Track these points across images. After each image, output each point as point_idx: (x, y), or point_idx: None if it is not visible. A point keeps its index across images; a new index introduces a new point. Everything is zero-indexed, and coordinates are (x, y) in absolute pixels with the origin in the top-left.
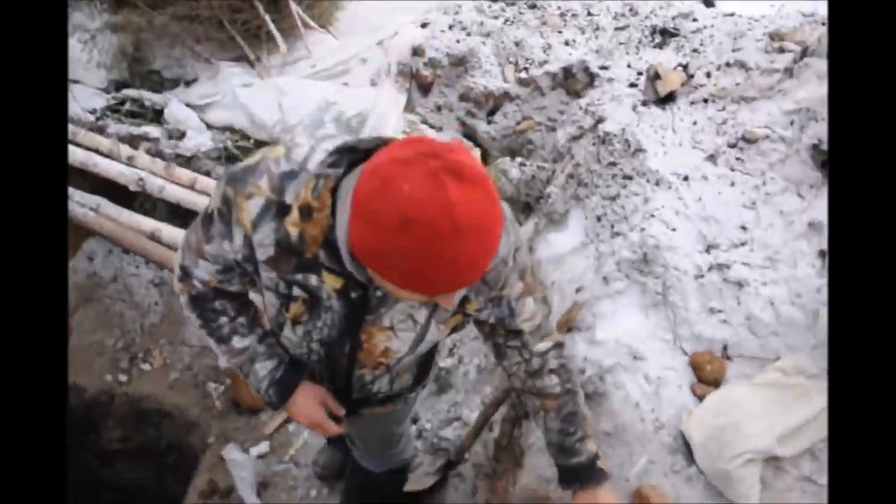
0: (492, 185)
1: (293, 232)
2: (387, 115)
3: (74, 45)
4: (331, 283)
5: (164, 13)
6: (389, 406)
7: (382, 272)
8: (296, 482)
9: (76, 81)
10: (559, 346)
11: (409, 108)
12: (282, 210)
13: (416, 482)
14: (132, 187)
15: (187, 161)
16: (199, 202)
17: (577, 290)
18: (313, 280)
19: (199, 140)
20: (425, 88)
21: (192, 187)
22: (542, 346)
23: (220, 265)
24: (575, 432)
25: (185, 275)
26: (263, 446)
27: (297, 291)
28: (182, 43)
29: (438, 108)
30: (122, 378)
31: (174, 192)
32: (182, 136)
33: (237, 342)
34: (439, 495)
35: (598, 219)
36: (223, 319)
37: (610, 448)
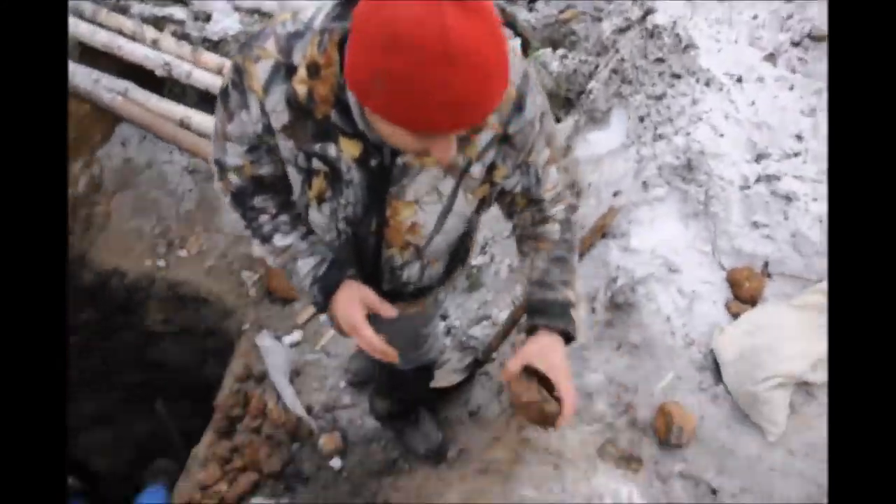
0: (498, 22)
1: (301, 90)
2: None
3: None
4: (349, 150)
5: None
6: (420, 303)
7: (371, 103)
8: (326, 371)
9: None
10: (571, 207)
11: None
12: (290, 72)
13: (443, 378)
14: (158, 72)
15: (214, 45)
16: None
17: (615, 195)
18: (332, 150)
19: (225, 23)
20: None
21: (220, 73)
22: (556, 209)
23: (245, 144)
24: (560, 274)
25: (221, 169)
26: (296, 335)
27: (316, 164)
28: None
29: None
30: (161, 263)
31: (202, 78)
32: (208, 18)
33: (279, 240)
34: (465, 392)
35: (641, 119)
36: (264, 217)
37: (637, 361)
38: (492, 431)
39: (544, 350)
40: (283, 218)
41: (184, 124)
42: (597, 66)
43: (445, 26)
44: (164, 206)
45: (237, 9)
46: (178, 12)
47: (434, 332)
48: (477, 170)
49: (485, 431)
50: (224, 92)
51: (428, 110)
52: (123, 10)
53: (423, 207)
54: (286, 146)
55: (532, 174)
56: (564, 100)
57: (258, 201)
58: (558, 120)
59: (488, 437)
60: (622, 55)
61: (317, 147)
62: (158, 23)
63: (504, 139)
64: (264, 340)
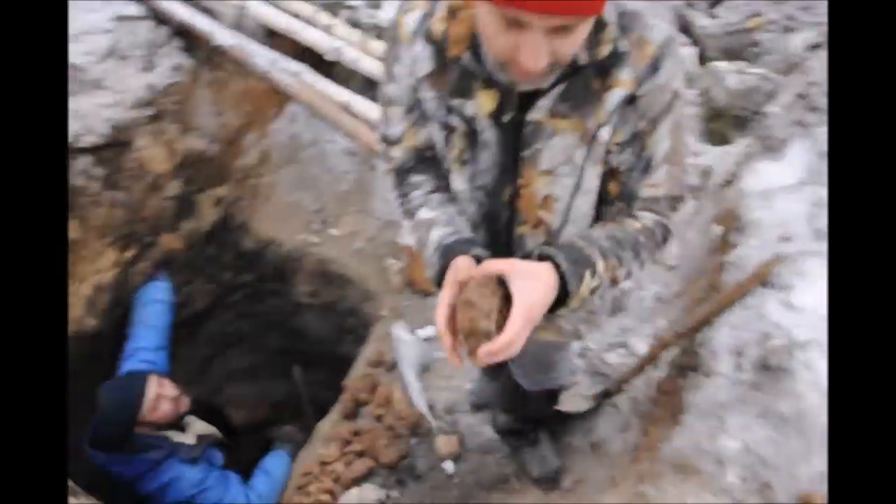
0: None
1: (438, 29)
2: None
3: None
4: (485, 104)
5: None
6: (553, 327)
7: None
8: (455, 371)
9: None
10: (664, 227)
11: None
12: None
13: (570, 402)
14: (329, 57)
15: (382, 31)
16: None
17: (782, 239)
18: (469, 108)
19: (394, 10)
20: None
21: None
22: (646, 216)
23: (403, 104)
24: (606, 243)
25: (387, 144)
26: (430, 330)
27: (455, 121)
28: None
29: None
30: (314, 239)
31: (368, 66)
32: (378, 5)
33: (424, 213)
34: (589, 421)
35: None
36: (417, 193)
37: (782, 435)
38: (611, 469)
39: (529, 276)
40: (436, 196)
41: (347, 108)
42: (780, 87)
43: None
44: (322, 183)
45: None
46: None
47: (565, 358)
48: (605, 133)
49: (604, 468)
50: (386, 52)
51: None
52: None
53: (557, 180)
54: (429, 98)
55: (643, 158)
56: (737, 119)
57: (416, 179)
58: (726, 141)
59: (606, 475)
60: (812, 77)
61: (456, 102)
62: (333, 7)
63: (631, 100)
64: (399, 331)
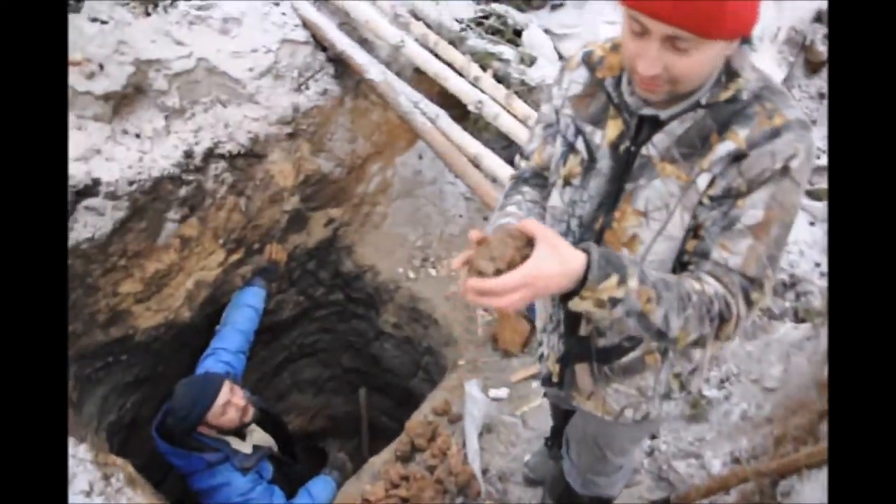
0: None
1: (598, 55)
2: None
3: None
4: (611, 131)
5: None
6: (599, 401)
7: None
8: (517, 439)
9: None
10: (726, 302)
11: (786, 86)
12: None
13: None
14: (471, 107)
15: (529, 90)
16: (525, 138)
17: None
18: (597, 137)
19: (546, 70)
20: (814, 68)
21: (524, 122)
22: (711, 282)
23: (545, 122)
24: (652, 278)
25: (521, 157)
26: (502, 392)
27: (579, 144)
28: None
29: (820, 97)
30: (411, 275)
31: (506, 123)
32: (532, 62)
33: (509, 208)
34: None
35: None
36: (517, 197)
37: None
38: None
39: (556, 250)
40: (530, 205)
41: (475, 161)
42: None
43: None
44: (433, 222)
45: (562, 58)
46: (507, 52)
47: (626, 468)
48: (703, 181)
49: None
50: (555, 77)
51: None
52: (461, 41)
53: (647, 223)
54: (566, 115)
55: (728, 217)
56: None
57: (524, 188)
58: None
59: None
60: None
61: (588, 129)
62: (485, 58)
63: (739, 157)
64: (472, 388)
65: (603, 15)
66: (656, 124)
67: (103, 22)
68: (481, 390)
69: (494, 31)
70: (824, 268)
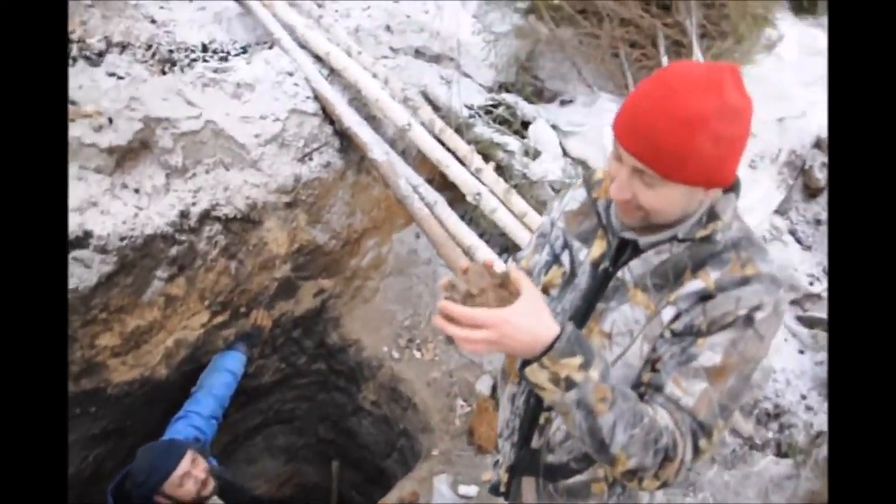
0: (747, 127)
1: (598, 175)
2: (751, 209)
3: (477, 43)
4: (594, 250)
5: (567, 28)
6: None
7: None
8: None
9: (467, 76)
10: (672, 438)
11: (782, 208)
12: None
13: None
14: (469, 198)
15: (530, 184)
16: (522, 236)
17: None
18: (582, 255)
19: (549, 166)
20: (812, 193)
21: (521, 219)
22: (665, 414)
23: (540, 231)
24: (613, 388)
25: (514, 259)
26: (472, 489)
27: (564, 258)
28: (572, 61)
29: (817, 223)
30: (395, 354)
31: (503, 218)
32: (536, 156)
33: None
34: None
35: None
36: None
37: None
38: None
39: (533, 308)
40: None
41: (468, 252)
42: None
43: (693, 78)
44: (423, 302)
45: (566, 154)
46: (512, 143)
47: None
48: (667, 314)
49: None
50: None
51: (637, 112)
52: (468, 127)
53: (612, 346)
54: (559, 227)
55: (685, 354)
56: None
57: None
58: None
59: None
60: None
61: (576, 244)
62: (490, 147)
63: (706, 297)
64: (440, 482)
65: (610, 116)
66: (636, 250)
67: (120, 77)
68: (450, 486)
69: (502, 121)
70: (811, 401)
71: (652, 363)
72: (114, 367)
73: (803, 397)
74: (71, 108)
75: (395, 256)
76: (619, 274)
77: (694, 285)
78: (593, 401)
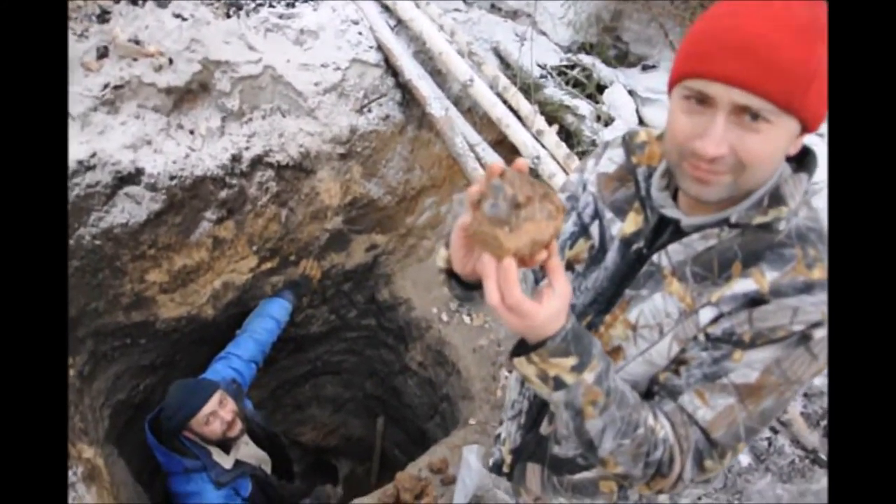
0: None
1: (641, 137)
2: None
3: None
4: (629, 224)
5: None
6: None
7: (672, 72)
8: None
9: (543, 33)
10: (670, 453)
11: None
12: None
13: None
14: (528, 161)
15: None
16: None
17: None
18: (615, 228)
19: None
20: None
21: None
22: (668, 427)
23: (569, 191)
24: (615, 385)
25: None
26: None
27: (594, 229)
28: (659, 23)
29: None
30: (444, 317)
31: (561, 183)
32: (609, 122)
33: None
34: None
35: None
36: None
37: None
38: None
39: (552, 301)
40: None
41: None
42: None
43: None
44: None
45: (642, 122)
46: (583, 107)
47: None
48: (706, 315)
49: None
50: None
51: (712, 39)
52: (537, 87)
53: (635, 338)
54: (589, 192)
55: (715, 364)
56: None
57: None
58: None
59: None
60: None
61: (608, 215)
62: (559, 109)
63: (756, 302)
64: (470, 455)
65: None
66: (677, 232)
67: (184, 18)
68: (479, 458)
69: (576, 84)
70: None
71: (676, 363)
72: (162, 303)
73: None
74: (133, 47)
75: (453, 217)
76: (655, 258)
77: (743, 286)
78: (582, 403)
